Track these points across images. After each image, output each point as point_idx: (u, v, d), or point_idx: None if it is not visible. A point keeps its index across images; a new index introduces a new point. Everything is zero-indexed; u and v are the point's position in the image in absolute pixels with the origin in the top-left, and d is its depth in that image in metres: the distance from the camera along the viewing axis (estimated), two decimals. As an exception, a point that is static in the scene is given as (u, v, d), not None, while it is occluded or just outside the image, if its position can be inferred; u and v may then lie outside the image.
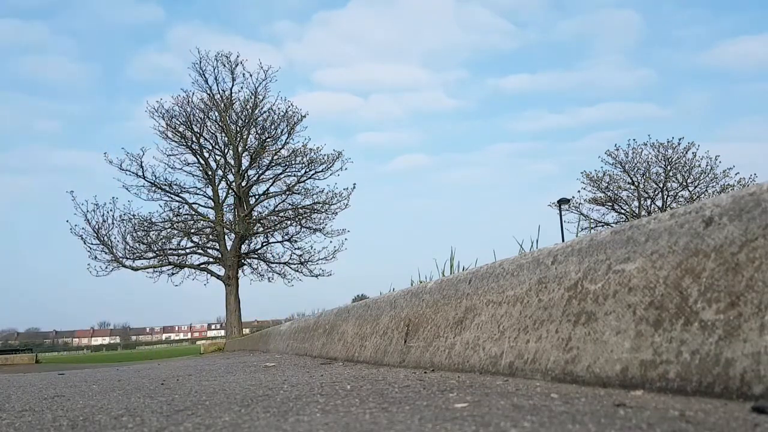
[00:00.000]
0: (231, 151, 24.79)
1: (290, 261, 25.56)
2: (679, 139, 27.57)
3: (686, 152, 27.55)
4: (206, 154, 24.85)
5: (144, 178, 23.46)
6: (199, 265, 24.44)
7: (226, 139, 24.65)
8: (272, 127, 25.04)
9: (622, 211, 28.55)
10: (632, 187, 28.30)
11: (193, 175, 24.89)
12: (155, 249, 23.65)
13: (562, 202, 25.59)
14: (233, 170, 24.71)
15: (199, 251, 24.76)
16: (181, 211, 24.37)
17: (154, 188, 23.86)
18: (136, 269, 23.55)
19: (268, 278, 25.85)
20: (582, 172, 29.13)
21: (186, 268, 24.37)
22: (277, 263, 25.76)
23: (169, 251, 24.00)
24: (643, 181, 28.05)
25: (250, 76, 24.64)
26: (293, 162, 24.90)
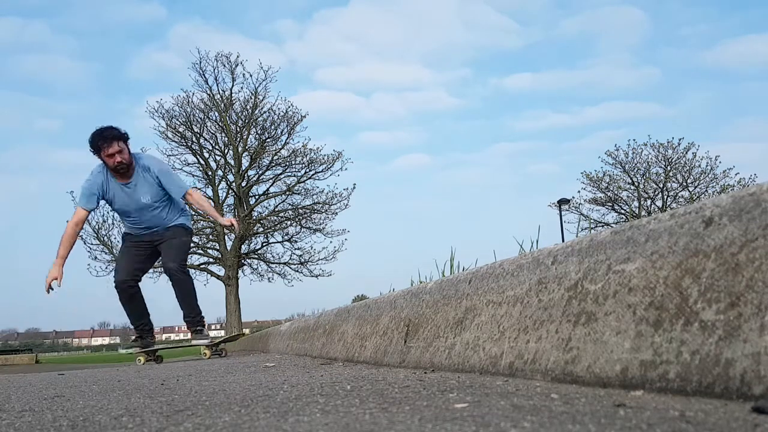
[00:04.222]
0: (231, 152, 24.80)
1: (290, 261, 25.59)
2: (679, 140, 27.62)
3: (686, 152, 27.60)
4: (206, 155, 24.88)
5: (144, 178, 23.46)
6: (199, 265, 24.45)
7: (226, 139, 24.66)
8: (272, 127, 25.06)
9: (622, 211, 28.56)
10: (632, 187, 28.31)
11: (193, 176, 24.92)
12: (155, 249, 23.64)
13: (562, 202, 25.60)
14: (233, 170, 24.72)
15: (199, 251, 24.78)
16: (181, 211, 24.37)
17: (154, 188, 23.84)
18: (136, 269, 23.52)
19: (268, 278, 25.87)
20: (582, 173, 29.18)
21: (186, 269, 24.37)
22: (277, 263, 25.79)
23: (169, 251, 23.98)
24: (643, 181, 28.07)
25: (250, 76, 24.67)
26: (293, 162, 24.91)
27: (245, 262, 25.19)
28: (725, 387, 0.97)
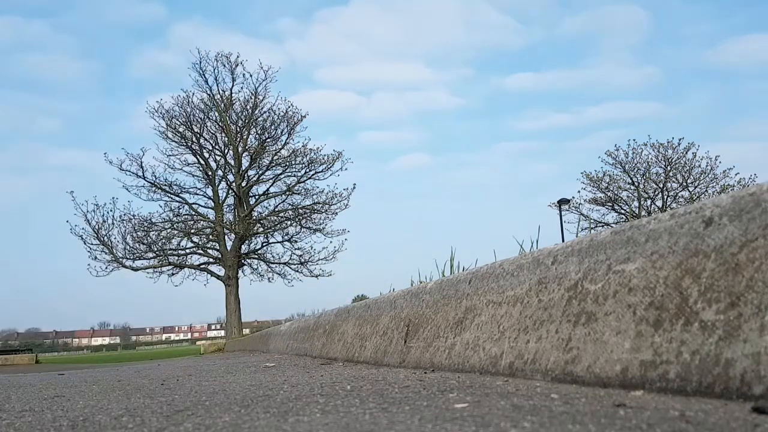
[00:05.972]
0: (231, 152, 24.79)
1: (290, 261, 25.57)
2: (679, 140, 27.58)
3: (686, 152, 27.57)
4: (206, 155, 24.85)
5: (144, 178, 23.47)
6: (199, 265, 24.43)
7: (226, 139, 24.65)
8: (272, 127, 25.04)
9: (622, 211, 28.55)
10: (632, 187, 28.30)
11: (193, 176, 24.88)
12: (155, 249, 23.66)
13: (562, 202, 25.60)
14: (233, 170, 24.71)
15: (199, 251, 24.77)
16: (181, 211, 24.38)
17: (154, 188, 23.88)
18: (136, 269, 23.56)
19: (268, 278, 25.84)
20: (582, 173, 29.14)
21: (186, 269, 24.37)
22: (277, 263, 25.76)
23: (169, 251, 24.01)
24: (643, 181, 28.06)
25: (250, 76, 24.63)
26: (293, 162, 24.90)
27: (245, 262, 25.16)
28: (725, 387, 0.97)
